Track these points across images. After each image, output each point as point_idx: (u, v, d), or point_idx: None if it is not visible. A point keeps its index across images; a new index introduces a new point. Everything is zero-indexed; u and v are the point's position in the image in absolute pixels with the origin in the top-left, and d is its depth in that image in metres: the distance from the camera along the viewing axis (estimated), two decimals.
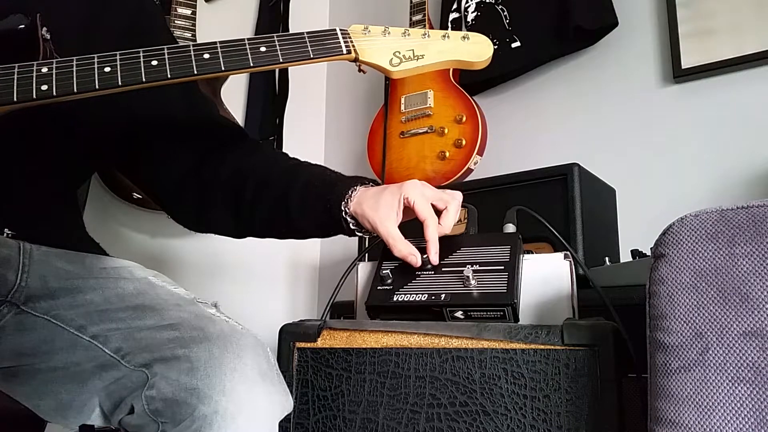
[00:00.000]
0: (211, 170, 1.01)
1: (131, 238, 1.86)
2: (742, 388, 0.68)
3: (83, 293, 0.85)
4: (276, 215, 1.00)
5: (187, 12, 1.86)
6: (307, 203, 0.98)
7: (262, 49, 0.88)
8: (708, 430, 0.69)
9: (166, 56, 0.84)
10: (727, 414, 0.68)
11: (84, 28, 0.97)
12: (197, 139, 1.05)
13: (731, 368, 0.69)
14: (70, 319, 0.82)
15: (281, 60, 0.88)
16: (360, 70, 0.95)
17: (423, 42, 0.94)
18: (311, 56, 0.90)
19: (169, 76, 0.84)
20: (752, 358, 0.69)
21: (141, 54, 0.84)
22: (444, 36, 0.95)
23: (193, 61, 0.85)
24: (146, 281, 0.89)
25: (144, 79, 0.83)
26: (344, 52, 0.91)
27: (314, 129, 2.49)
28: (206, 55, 0.86)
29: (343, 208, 0.96)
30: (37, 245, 0.89)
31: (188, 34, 1.84)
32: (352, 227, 0.98)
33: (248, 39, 0.88)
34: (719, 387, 0.70)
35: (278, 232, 1.06)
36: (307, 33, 0.91)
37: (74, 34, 0.96)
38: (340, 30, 0.92)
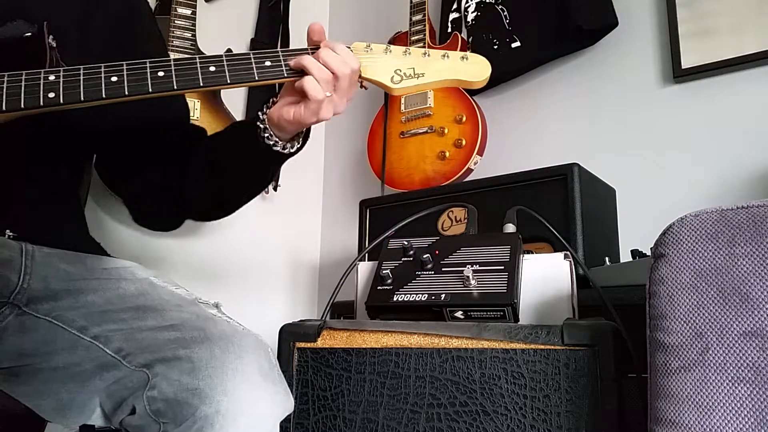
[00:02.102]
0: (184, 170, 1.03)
1: (132, 238, 1.86)
2: (742, 388, 0.69)
3: (85, 294, 0.85)
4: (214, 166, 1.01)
5: (187, 12, 1.85)
6: (230, 137, 1.01)
7: (267, 63, 0.90)
8: (708, 430, 0.69)
9: (173, 68, 0.86)
10: (727, 414, 0.69)
11: (81, 22, 0.98)
12: (183, 140, 1.06)
13: (731, 368, 0.70)
14: (72, 320, 0.83)
15: (285, 75, 0.91)
16: (362, 86, 0.98)
17: (423, 61, 0.97)
18: None
19: (175, 87, 0.86)
20: (752, 358, 0.69)
21: (148, 64, 0.85)
22: (444, 55, 0.98)
23: (199, 74, 0.87)
24: (147, 282, 0.89)
25: (150, 90, 0.85)
26: None
27: (314, 129, 2.48)
28: (212, 68, 0.88)
29: (260, 116, 0.94)
30: (39, 246, 0.89)
31: (188, 34, 1.84)
32: (269, 135, 0.94)
33: (253, 53, 0.91)
34: (719, 387, 0.70)
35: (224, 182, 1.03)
36: (311, 49, 0.94)
37: (73, 29, 0.96)
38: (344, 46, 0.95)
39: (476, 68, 0.98)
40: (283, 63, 0.91)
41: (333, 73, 0.89)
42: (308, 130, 0.99)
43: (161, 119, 1.03)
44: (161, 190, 1.03)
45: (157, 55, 0.91)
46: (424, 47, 1.53)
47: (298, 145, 0.98)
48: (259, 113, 0.93)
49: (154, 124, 1.02)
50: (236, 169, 0.99)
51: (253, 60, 0.90)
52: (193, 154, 1.01)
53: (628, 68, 1.84)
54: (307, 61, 0.89)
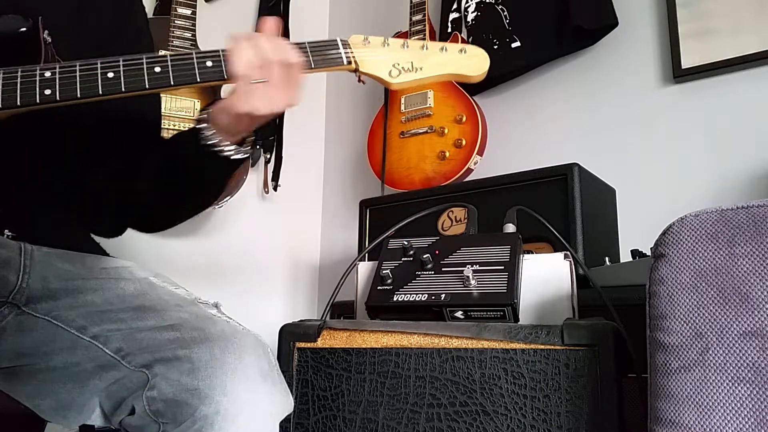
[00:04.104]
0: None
1: (131, 238, 1.85)
2: (742, 388, 0.69)
3: (84, 294, 0.85)
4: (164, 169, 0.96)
5: (187, 12, 1.85)
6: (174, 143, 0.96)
7: None
8: (708, 430, 0.69)
9: (170, 64, 0.85)
10: (727, 414, 0.69)
11: (75, 17, 0.98)
12: (148, 143, 1.02)
13: (731, 368, 0.69)
14: (71, 320, 0.82)
15: None
16: (360, 81, 0.96)
17: (422, 54, 0.95)
18: (312, 66, 0.91)
19: (172, 83, 0.85)
20: (752, 358, 0.69)
21: (144, 60, 0.84)
22: (442, 49, 0.96)
23: (196, 69, 0.86)
24: (147, 282, 0.89)
25: (147, 86, 0.83)
26: (344, 62, 0.93)
27: (314, 129, 2.49)
28: (209, 63, 0.87)
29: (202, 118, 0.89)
30: (38, 246, 0.89)
31: (188, 34, 1.84)
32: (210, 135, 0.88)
33: None
34: (719, 387, 0.70)
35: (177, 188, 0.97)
36: (309, 43, 0.92)
37: (68, 24, 0.96)
38: (341, 40, 0.94)
39: (475, 61, 0.96)
40: None
41: (262, 56, 0.84)
42: (256, 138, 0.92)
43: (138, 119, 1.01)
44: (115, 190, 0.99)
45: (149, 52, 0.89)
46: None
47: (237, 154, 0.89)
48: (204, 112, 0.89)
49: (129, 124, 1.00)
50: (178, 173, 0.94)
51: None
52: (147, 158, 0.97)
53: (628, 68, 1.84)
54: (239, 40, 0.85)
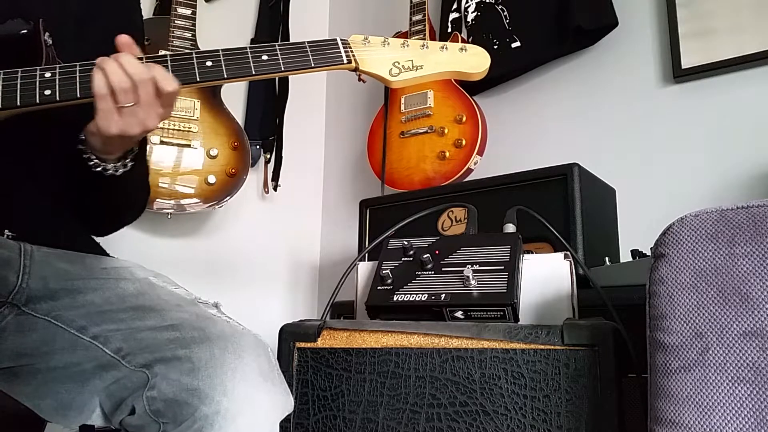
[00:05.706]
0: None
1: (131, 238, 1.86)
2: (742, 388, 0.69)
3: (84, 294, 0.85)
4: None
5: (187, 12, 1.85)
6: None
7: (264, 57, 0.90)
8: (708, 430, 0.69)
9: (169, 63, 0.85)
10: (727, 414, 0.69)
11: (79, 20, 0.98)
12: None
13: (731, 368, 0.69)
14: (71, 320, 0.83)
15: (282, 69, 0.90)
16: (360, 80, 0.97)
17: (421, 53, 0.96)
18: (312, 65, 0.92)
19: None
20: (752, 358, 0.69)
21: (143, 59, 0.84)
22: (442, 47, 0.97)
23: (196, 69, 0.86)
24: (147, 282, 0.89)
25: None
26: (345, 61, 0.93)
27: (314, 129, 2.49)
28: (209, 63, 0.87)
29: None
30: (38, 246, 0.89)
31: (188, 34, 1.84)
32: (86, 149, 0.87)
33: (250, 47, 0.90)
34: (719, 387, 0.70)
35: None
36: (309, 42, 0.92)
37: (71, 27, 0.96)
38: (341, 40, 0.94)
39: (475, 59, 0.97)
40: (280, 57, 0.90)
41: (130, 77, 0.79)
42: (141, 150, 0.90)
43: None
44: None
45: None
46: None
47: (119, 170, 0.88)
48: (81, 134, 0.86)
49: None
50: (76, 188, 0.94)
51: (249, 54, 0.89)
52: None
53: (628, 68, 1.84)
54: (105, 61, 0.81)
